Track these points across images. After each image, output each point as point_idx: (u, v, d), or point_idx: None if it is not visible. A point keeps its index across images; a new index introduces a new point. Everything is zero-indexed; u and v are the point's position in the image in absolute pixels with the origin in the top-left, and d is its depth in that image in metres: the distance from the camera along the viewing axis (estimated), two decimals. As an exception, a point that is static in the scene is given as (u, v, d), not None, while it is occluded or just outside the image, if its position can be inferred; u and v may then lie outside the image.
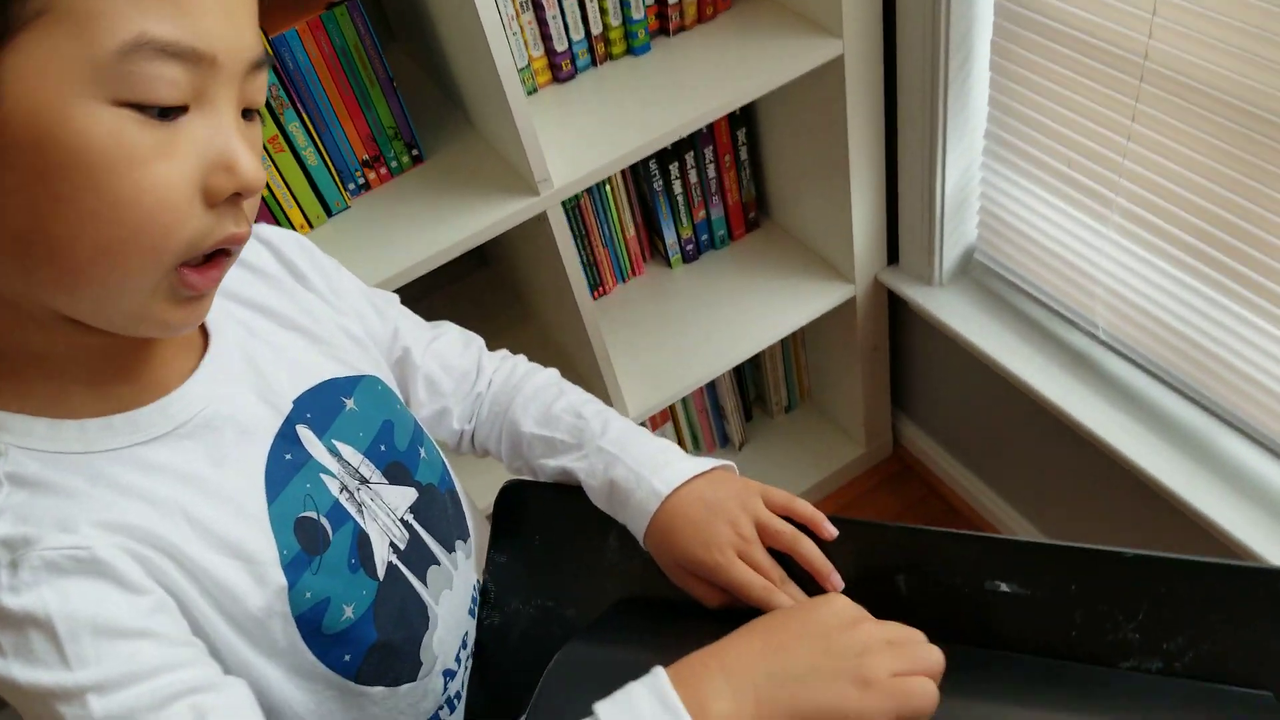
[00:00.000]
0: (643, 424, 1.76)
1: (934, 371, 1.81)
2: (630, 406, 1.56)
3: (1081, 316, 1.41)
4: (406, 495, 0.70)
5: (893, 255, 1.66)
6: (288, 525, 0.58)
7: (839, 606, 0.56)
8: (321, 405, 0.64)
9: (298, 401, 0.63)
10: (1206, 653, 0.63)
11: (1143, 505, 1.38)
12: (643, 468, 0.71)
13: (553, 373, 0.85)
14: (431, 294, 1.87)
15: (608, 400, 1.54)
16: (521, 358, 0.88)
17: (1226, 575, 0.63)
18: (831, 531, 0.70)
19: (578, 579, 0.76)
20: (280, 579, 0.57)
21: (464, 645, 0.74)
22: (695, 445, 2.04)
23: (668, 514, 0.69)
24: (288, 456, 0.61)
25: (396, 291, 0.86)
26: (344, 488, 0.64)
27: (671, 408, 1.91)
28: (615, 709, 0.50)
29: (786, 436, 2.07)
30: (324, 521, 0.61)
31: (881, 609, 0.68)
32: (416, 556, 0.69)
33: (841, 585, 0.69)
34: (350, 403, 0.67)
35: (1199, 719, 0.58)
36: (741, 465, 2.03)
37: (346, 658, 0.61)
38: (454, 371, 0.83)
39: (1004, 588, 0.67)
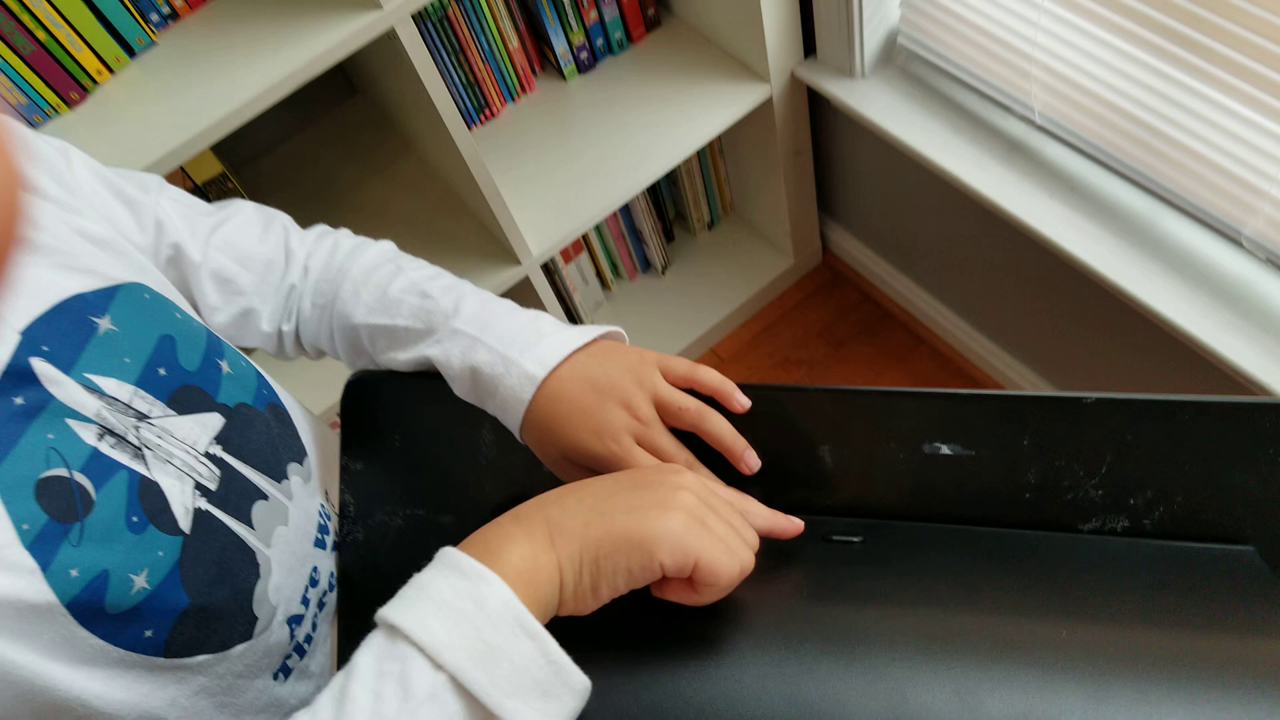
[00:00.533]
0: (550, 261, 1.62)
1: (861, 172, 1.68)
2: (532, 244, 1.41)
3: (1016, 100, 1.27)
4: (208, 424, 0.56)
5: (809, 47, 1.49)
6: (25, 491, 0.45)
7: (675, 468, 0.49)
8: (62, 331, 0.49)
9: (27, 331, 0.48)
10: (1179, 506, 0.54)
11: (1087, 298, 1.29)
12: (509, 347, 0.58)
13: (386, 246, 0.69)
14: (301, 130, 1.66)
15: (505, 241, 1.39)
16: (344, 232, 0.72)
17: (1201, 414, 0.53)
18: (743, 402, 0.58)
19: (450, 481, 0.64)
20: (26, 560, 0.44)
21: (313, 583, 0.62)
22: (616, 274, 1.91)
23: (546, 400, 0.57)
24: (18, 402, 0.46)
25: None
26: (107, 431, 0.50)
27: (584, 238, 1.76)
28: (400, 603, 0.43)
29: (712, 254, 1.95)
30: (79, 478, 0.47)
31: (806, 488, 0.58)
32: (234, 495, 0.56)
33: (757, 464, 0.58)
34: (105, 322, 0.52)
35: (1173, 582, 0.49)
36: (668, 289, 1.91)
37: (148, 633, 0.50)
38: (253, 262, 0.68)
39: (945, 450, 0.57)
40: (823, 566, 0.51)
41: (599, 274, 1.87)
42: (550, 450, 0.58)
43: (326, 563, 0.65)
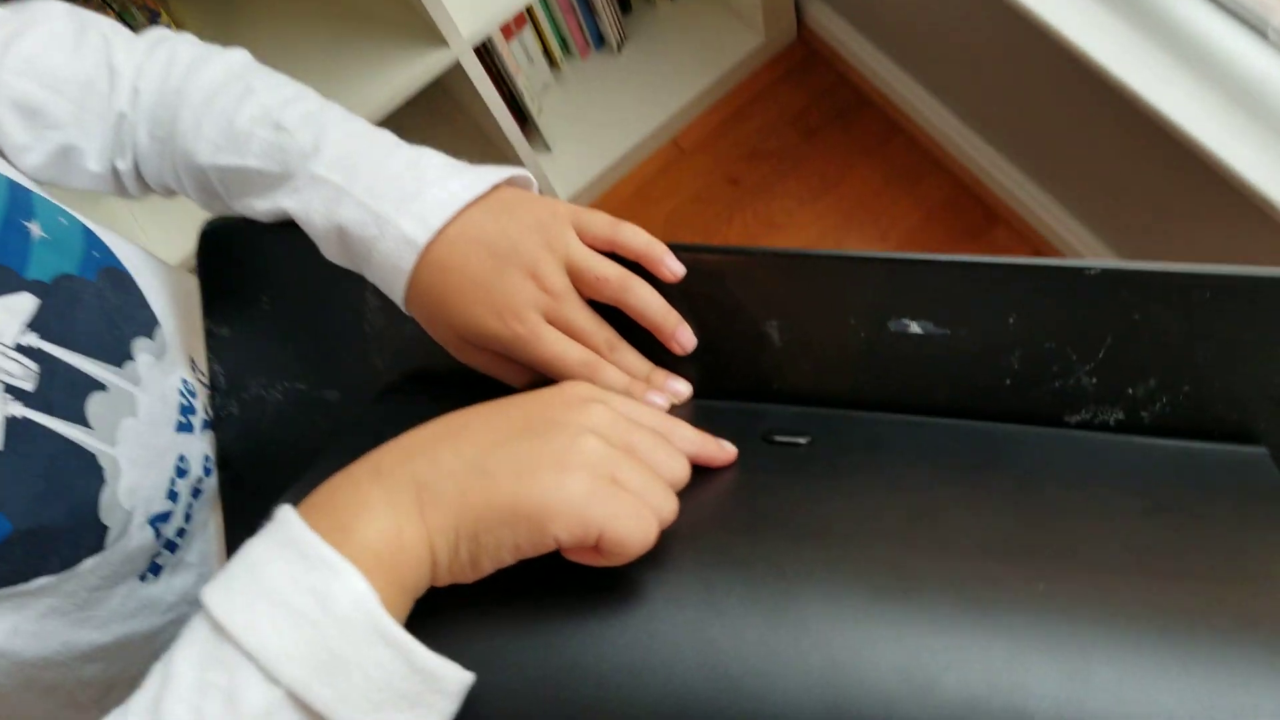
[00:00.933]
0: (487, 42, 1.43)
1: (842, -66, 1.48)
2: (463, 21, 1.23)
3: None
4: (15, 308, 0.45)
5: None
6: None
7: (573, 387, 0.40)
8: None
9: None
10: (1185, 399, 0.46)
11: (1086, 93, 1.16)
12: (382, 201, 0.46)
13: (235, 58, 0.54)
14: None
15: (428, 17, 1.21)
16: (184, 39, 0.56)
17: (1224, 291, 0.44)
18: (675, 270, 0.48)
19: (331, 351, 0.54)
20: None
21: (180, 473, 0.53)
22: (565, 51, 1.72)
23: (433, 270, 0.46)
24: None
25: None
26: None
27: (529, 10, 1.57)
28: (226, 588, 0.33)
29: (674, 29, 1.75)
30: None
31: (749, 372, 0.49)
32: (59, 393, 0.46)
33: (692, 343, 0.48)
34: None
35: (1174, 500, 0.42)
36: (624, 69, 1.73)
37: None
38: (66, 85, 0.53)
39: (914, 328, 0.47)
40: (758, 480, 0.43)
41: (546, 51, 1.68)
42: (442, 330, 0.48)
43: (197, 446, 0.56)
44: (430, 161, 0.48)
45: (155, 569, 0.53)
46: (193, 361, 0.58)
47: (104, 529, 0.48)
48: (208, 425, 0.57)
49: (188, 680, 0.32)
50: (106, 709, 0.33)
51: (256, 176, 0.50)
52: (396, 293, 0.48)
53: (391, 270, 0.47)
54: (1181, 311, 0.44)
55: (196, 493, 0.55)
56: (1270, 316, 0.44)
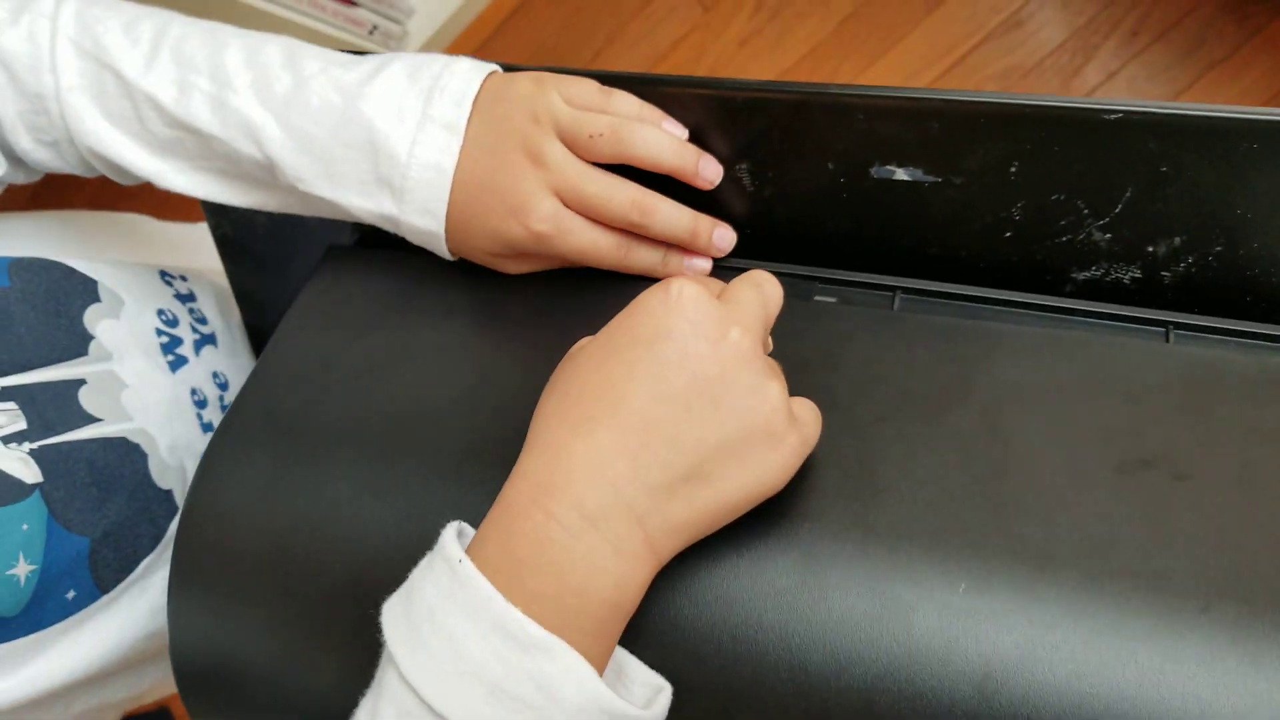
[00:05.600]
0: None
1: None
2: None
3: None
4: None
5: None
6: None
7: (693, 314, 0.33)
8: None
9: None
10: (1215, 259, 0.39)
11: None
12: (381, 202, 0.43)
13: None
14: None
15: None
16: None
17: (1272, 139, 0.36)
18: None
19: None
20: None
21: (201, 404, 0.54)
22: None
23: (456, 218, 0.43)
24: None
25: None
26: None
27: None
28: (424, 662, 0.30)
29: None
30: None
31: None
32: (51, 410, 0.45)
33: (718, 174, 0.44)
34: None
35: (1169, 377, 0.37)
36: None
37: (70, 594, 0.44)
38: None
39: (901, 174, 0.41)
40: None
41: None
42: (479, 255, 0.45)
43: (201, 370, 0.55)
44: (378, 121, 0.41)
45: None
46: (162, 273, 0.56)
47: (167, 493, 0.49)
48: (200, 344, 0.56)
49: None
50: None
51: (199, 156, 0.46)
52: (440, 252, 0.45)
53: (427, 245, 0.44)
54: (1220, 164, 0.37)
55: (225, 407, 0.56)
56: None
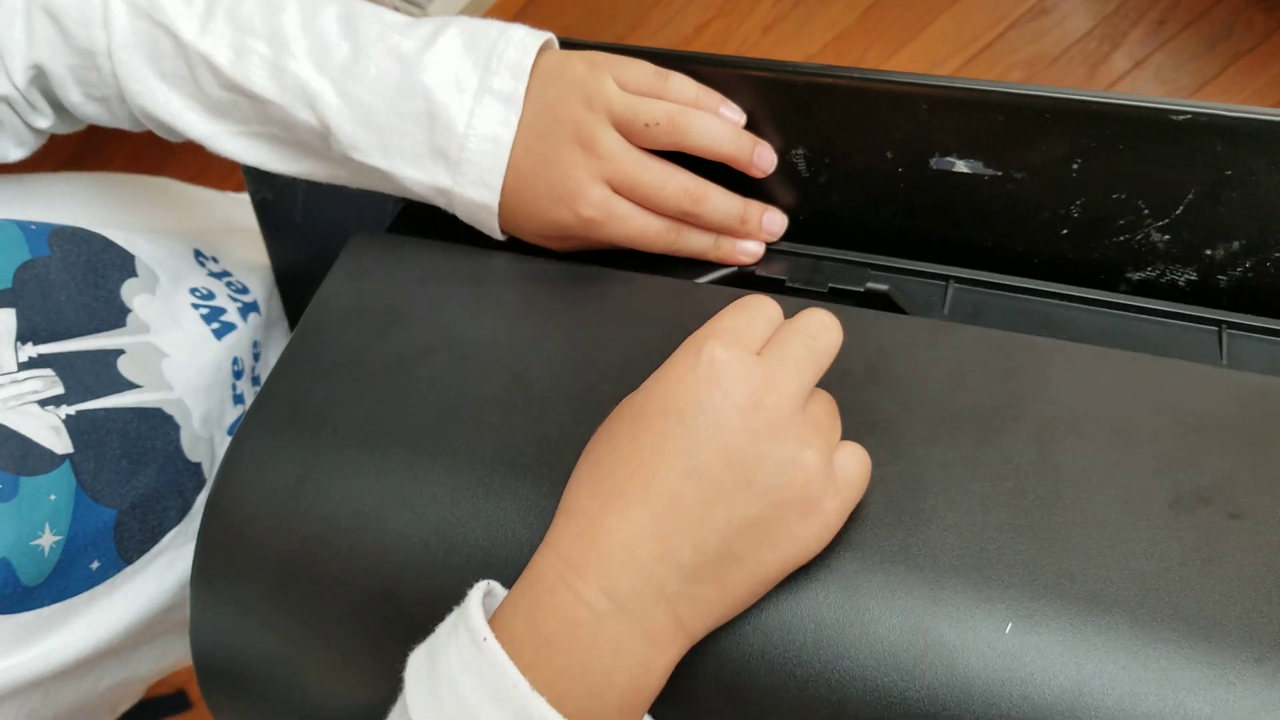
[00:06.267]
0: None
1: None
2: None
3: None
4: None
5: None
6: None
7: (727, 378, 0.31)
8: None
9: None
10: (1275, 265, 0.39)
11: None
12: (436, 175, 0.42)
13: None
14: None
15: None
16: None
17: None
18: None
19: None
20: None
21: (237, 374, 0.53)
22: None
23: (509, 201, 0.43)
24: None
25: None
26: None
27: None
28: (431, 713, 0.30)
29: None
30: None
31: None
32: (88, 377, 0.45)
33: (773, 162, 0.43)
34: None
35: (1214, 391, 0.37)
36: None
37: (94, 565, 0.44)
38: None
39: (960, 166, 0.41)
40: None
41: None
42: (531, 238, 0.45)
43: (245, 337, 0.55)
44: (436, 92, 0.41)
45: None
46: (198, 253, 0.56)
47: (196, 465, 0.49)
48: (245, 310, 0.56)
49: None
50: None
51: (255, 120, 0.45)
52: (491, 232, 0.44)
53: (480, 225, 0.44)
54: (1287, 169, 0.37)
55: (256, 380, 0.56)
56: None
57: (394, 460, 0.39)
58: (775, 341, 0.33)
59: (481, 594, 0.31)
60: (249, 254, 0.61)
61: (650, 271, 0.44)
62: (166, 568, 0.48)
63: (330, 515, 0.38)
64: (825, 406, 0.33)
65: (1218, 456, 0.34)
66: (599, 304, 0.42)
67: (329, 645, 0.38)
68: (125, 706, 0.53)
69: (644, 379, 0.33)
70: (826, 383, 0.34)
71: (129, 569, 0.46)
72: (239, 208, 0.67)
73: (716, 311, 0.34)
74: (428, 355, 0.42)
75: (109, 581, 0.45)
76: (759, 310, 0.34)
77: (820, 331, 0.33)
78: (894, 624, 0.32)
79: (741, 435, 0.31)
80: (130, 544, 0.45)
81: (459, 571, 0.36)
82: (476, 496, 0.37)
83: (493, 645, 0.29)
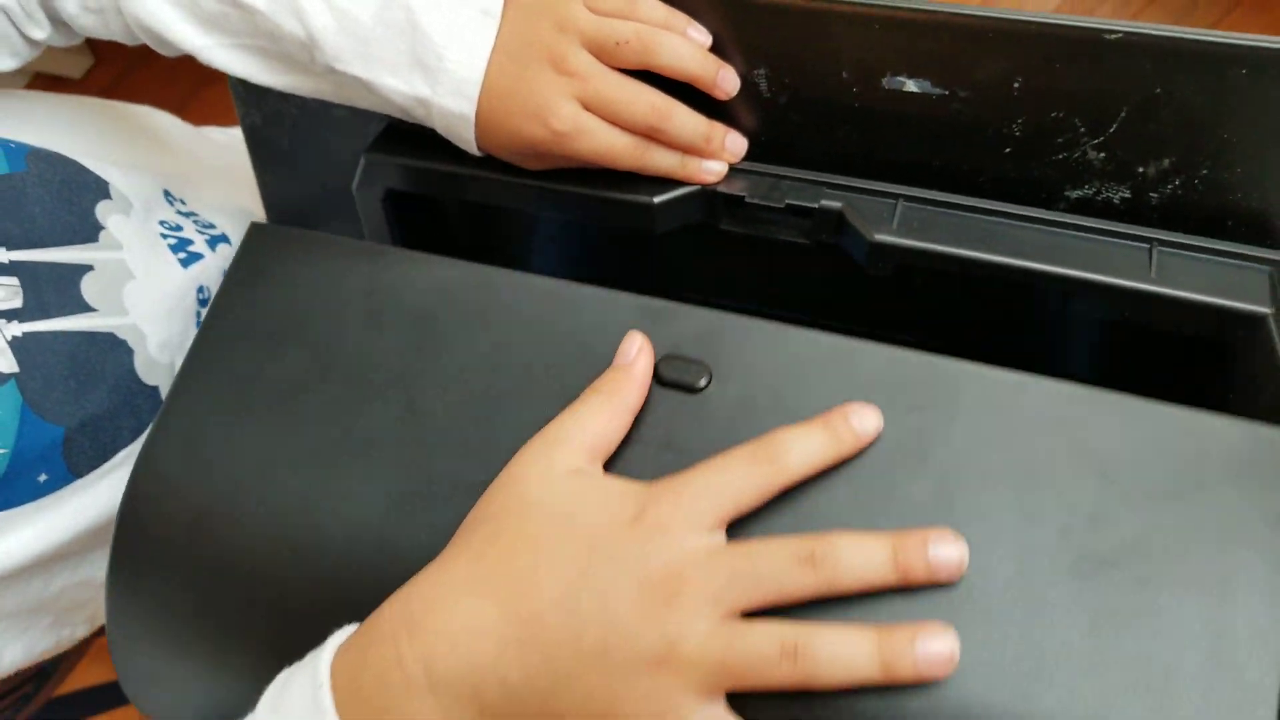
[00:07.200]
0: None
1: None
2: None
3: None
4: None
5: None
6: None
7: (611, 493, 0.33)
8: None
9: None
10: (1202, 182, 0.41)
11: None
12: (414, 83, 0.44)
13: None
14: None
15: None
16: None
17: (1261, 68, 0.38)
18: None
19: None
20: None
21: (203, 303, 0.54)
22: None
23: (486, 117, 0.45)
24: None
25: None
26: None
27: None
28: None
29: None
30: None
31: (734, 123, 0.47)
32: (49, 293, 0.46)
33: (736, 85, 0.45)
34: None
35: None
36: None
37: (42, 477, 0.45)
38: None
39: (910, 85, 0.43)
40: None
41: None
42: (506, 154, 0.47)
43: (213, 267, 0.56)
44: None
45: None
46: (166, 194, 0.57)
47: (153, 389, 0.51)
48: (214, 241, 0.58)
49: None
50: None
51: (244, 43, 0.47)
52: (469, 148, 0.47)
53: (456, 140, 0.46)
54: (1211, 88, 0.39)
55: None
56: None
57: (285, 504, 0.41)
58: (688, 479, 0.33)
59: (340, 640, 0.34)
60: (217, 196, 0.63)
61: (617, 191, 0.46)
62: (120, 482, 0.49)
63: (224, 570, 0.41)
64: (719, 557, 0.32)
65: (1132, 509, 0.33)
66: (499, 312, 0.43)
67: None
68: (94, 607, 0.55)
69: (542, 398, 0.36)
70: (718, 428, 0.36)
71: (79, 482, 0.47)
72: (207, 146, 0.69)
73: (616, 321, 0.37)
74: (319, 381, 0.43)
75: (57, 494, 0.47)
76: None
77: (735, 468, 0.34)
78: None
79: (634, 619, 0.30)
80: (80, 459, 0.47)
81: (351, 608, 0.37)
82: (366, 546, 0.39)
83: (324, 696, 0.32)
